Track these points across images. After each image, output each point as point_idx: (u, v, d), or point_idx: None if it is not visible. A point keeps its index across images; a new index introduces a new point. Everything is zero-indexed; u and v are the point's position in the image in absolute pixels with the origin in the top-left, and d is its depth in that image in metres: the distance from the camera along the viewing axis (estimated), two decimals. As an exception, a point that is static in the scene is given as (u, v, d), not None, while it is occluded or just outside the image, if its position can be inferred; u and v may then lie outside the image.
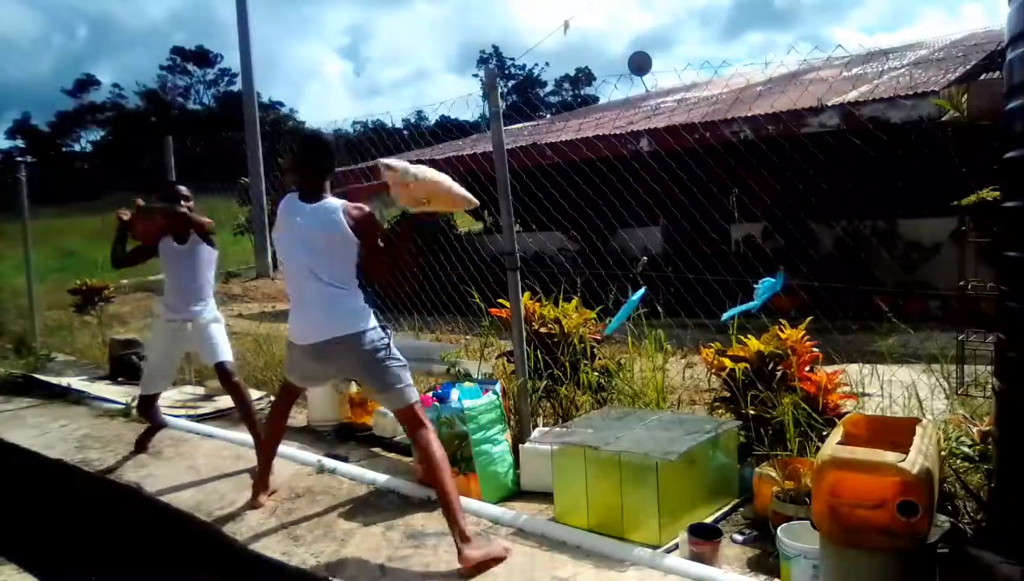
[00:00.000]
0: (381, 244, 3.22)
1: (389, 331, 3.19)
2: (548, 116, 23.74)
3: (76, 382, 6.35)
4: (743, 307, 3.57)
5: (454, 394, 3.54)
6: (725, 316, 3.61)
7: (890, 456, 2.07)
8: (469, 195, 3.27)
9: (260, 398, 5.58)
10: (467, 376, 4.04)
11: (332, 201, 3.17)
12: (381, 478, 3.71)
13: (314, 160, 3.21)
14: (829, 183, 7.12)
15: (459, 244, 6.70)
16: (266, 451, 3.66)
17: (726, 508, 3.11)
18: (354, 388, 4.94)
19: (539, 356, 4.04)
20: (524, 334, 3.86)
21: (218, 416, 5.26)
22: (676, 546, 2.77)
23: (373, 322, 3.15)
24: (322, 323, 3.09)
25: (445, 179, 3.25)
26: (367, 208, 3.21)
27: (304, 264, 3.11)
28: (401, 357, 3.17)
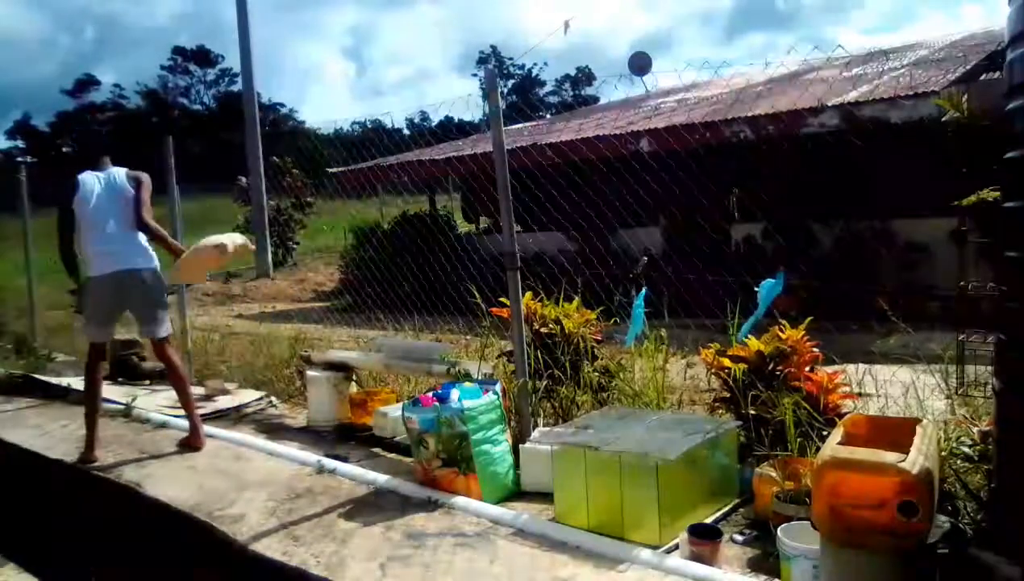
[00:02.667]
0: None
1: None
2: (548, 116, 23.75)
3: (76, 382, 6.32)
4: (753, 319, 3.58)
5: (454, 394, 3.54)
6: (741, 335, 3.60)
7: (890, 456, 2.07)
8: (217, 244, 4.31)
9: (260, 398, 5.59)
10: (467, 376, 4.03)
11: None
12: (381, 478, 3.71)
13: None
14: (829, 183, 7.14)
15: (459, 244, 6.70)
16: None
17: (726, 508, 3.11)
18: (354, 388, 4.94)
19: (539, 356, 4.04)
20: (524, 334, 3.86)
21: (218, 416, 5.26)
22: (676, 546, 2.77)
23: None
24: None
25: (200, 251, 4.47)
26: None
27: None
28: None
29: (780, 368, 3.43)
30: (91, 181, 4.46)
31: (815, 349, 3.50)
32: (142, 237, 4.61)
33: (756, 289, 3.57)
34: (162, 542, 3.72)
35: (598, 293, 4.67)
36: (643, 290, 4.01)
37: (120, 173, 4.55)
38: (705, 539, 2.68)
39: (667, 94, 13.28)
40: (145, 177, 4.58)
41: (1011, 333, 2.25)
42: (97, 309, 4.54)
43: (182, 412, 5.30)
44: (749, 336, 3.57)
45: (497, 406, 3.57)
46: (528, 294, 4.18)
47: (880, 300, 4.20)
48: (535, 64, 64.09)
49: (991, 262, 2.87)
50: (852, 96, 7.99)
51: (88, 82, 61.76)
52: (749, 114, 7.91)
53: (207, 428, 4.91)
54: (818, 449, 2.70)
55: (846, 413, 2.92)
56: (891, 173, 7.64)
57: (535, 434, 3.65)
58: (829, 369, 3.48)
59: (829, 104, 7.69)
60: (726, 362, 3.54)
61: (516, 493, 3.48)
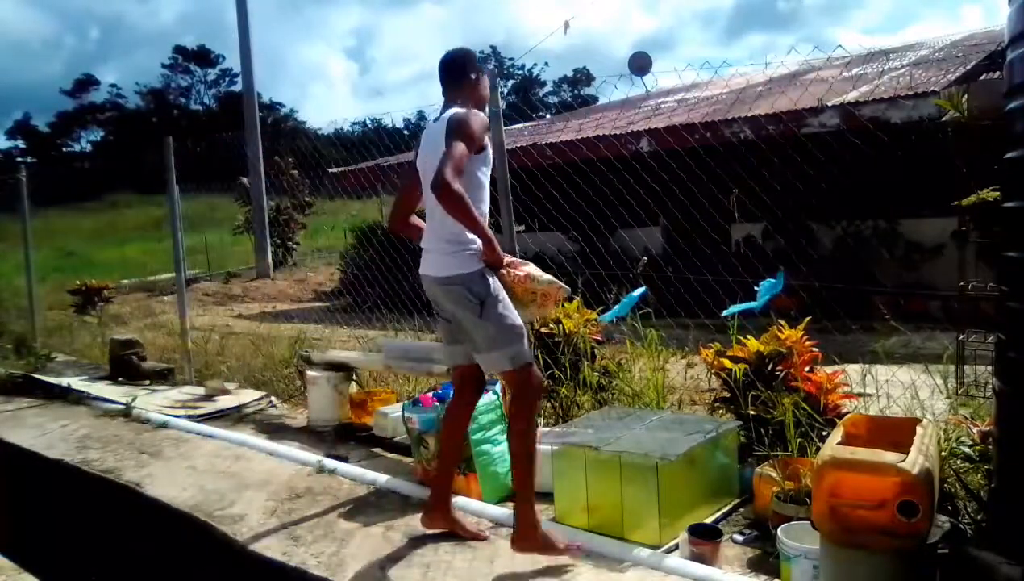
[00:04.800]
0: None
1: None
2: (548, 116, 23.74)
3: (76, 382, 6.35)
4: (744, 306, 3.57)
5: (454, 394, 3.53)
6: (726, 312, 3.61)
7: (890, 456, 2.07)
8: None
9: (260, 398, 5.59)
10: (467, 376, 4.02)
11: None
12: (381, 478, 3.71)
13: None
14: (829, 183, 7.13)
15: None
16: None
17: (726, 508, 3.11)
18: (354, 388, 4.94)
19: (540, 356, 4.04)
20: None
21: (218, 416, 5.26)
22: (676, 546, 2.77)
23: None
24: None
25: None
26: None
27: None
28: None
29: (780, 368, 3.43)
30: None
31: (814, 349, 3.50)
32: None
33: (756, 288, 3.58)
34: (162, 542, 3.72)
35: (598, 293, 4.67)
36: (642, 287, 4.01)
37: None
38: (705, 539, 2.68)
39: (667, 94, 13.28)
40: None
41: (1011, 333, 2.25)
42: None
43: (182, 412, 5.31)
44: (749, 336, 3.57)
45: (497, 406, 3.57)
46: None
47: (880, 300, 4.20)
48: (535, 64, 64.06)
49: (991, 262, 2.87)
50: (852, 96, 8.00)
51: (88, 82, 61.69)
52: (749, 114, 7.91)
53: (207, 428, 4.91)
54: (818, 449, 2.70)
55: (846, 413, 2.92)
56: (891, 173, 7.63)
57: (535, 434, 3.65)
58: (829, 369, 3.48)
59: (829, 104, 7.69)
60: (726, 362, 3.54)
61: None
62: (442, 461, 3.15)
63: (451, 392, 3.56)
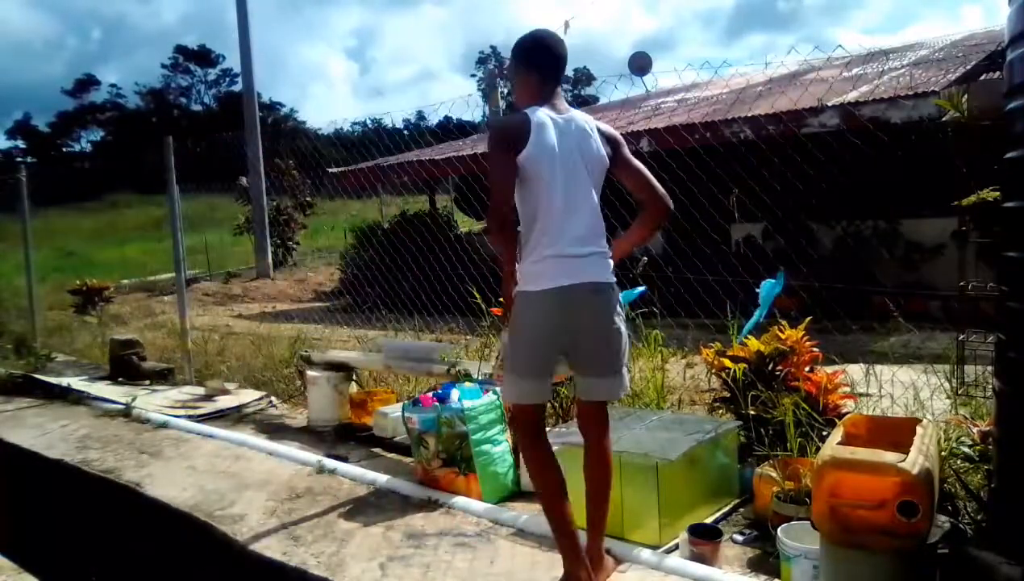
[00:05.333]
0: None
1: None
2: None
3: (76, 382, 6.35)
4: (754, 319, 3.58)
5: (454, 394, 3.54)
6: (743, 334, 3.60)
7: (890, 456, 2.07)
8: None
9: (260, 398, 5.59)
10: (467, 376, 4.03)
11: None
12: (381, 478, 3.71)
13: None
14: (829, 183, 7.13)
15: (459, 244, 6.71)
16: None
17: (726, 508, 3.11)
18: (354, 388, 4.94)
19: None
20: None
21: (218, 416, 5.26)
22: (676, 546, 2.77)
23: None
24: None
25: None
26: None
27: None
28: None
29: (780, 368, 3.43)
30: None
31: (815, 349, 3.50)
32: None
33: (756, 289, 3.58)
34: (162, 542, 3.72)
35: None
36: (642, 287, 4.01)
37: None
38: (705, 539, 2.68)
39: (667, 94, 13.27)
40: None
41: (1011, 333, 2.25)
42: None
43: (182, 412, 5.31)
44: (749, 336, 3.57)
45: (497, 406, 3.57)
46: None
47: (880, 300, 4.20)
48: (535, 64, 63.92)
49: (991, 262, 2.87)
50: (852, 96, 7.99)
51: (88, 82, 61.74)
52: (749, 114, 7.91)
53: (207, 428, 4.91)
54: (818, 449, 2.70)
55: (846, 413, 2.92)
56: (891, 173, 7.63)
57: (535, 434, 3.65)
58: (829, 369, 3.48)
59: (829, 104, 7.69)
60: (726, 362, 3.54)
61: (516, 493, 3.48)
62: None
63: (450, 392, 3.56)
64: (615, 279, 2.55)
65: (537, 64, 2.60)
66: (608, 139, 2.62)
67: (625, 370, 2.60)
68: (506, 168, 2.43)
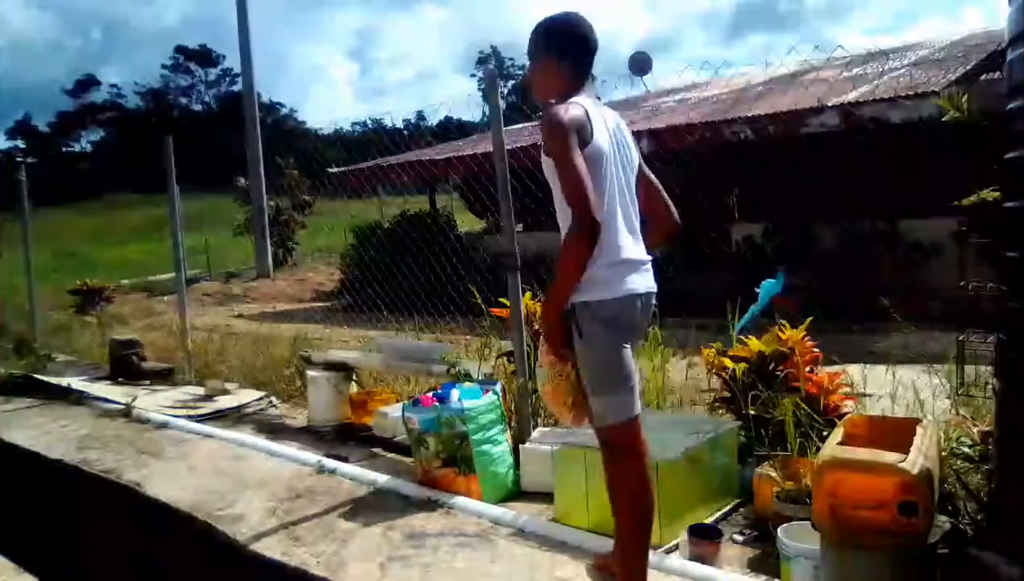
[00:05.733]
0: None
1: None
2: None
3: (76, 382, 6.35)
4: (750, 313, 3.58)
5: (454, 394, 3.54)
6: (739, 325, 3.60)
7: (890, 456, 2.07)
8: None
9: (260, 398, 5.58)
10: (467, 376, 4.04)
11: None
12: (381, 478, 3.71)
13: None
14: (829, 183, 7.14)
15: (459, 244, 6.71)
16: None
17: (726, 508, 3.11)
18: (354, 388, 4.94)
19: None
20: (524, 334, 3.86)
21: (218, 416, 5.26)
22: (676, 546, 2.77)
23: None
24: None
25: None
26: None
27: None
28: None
29: (780, 368, 3.43)
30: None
31: (815, 349, 3.50)
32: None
33: (756, 289, 3.58)
34: (162, 542, 3.72)
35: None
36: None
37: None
38: (705, 539, 2.68)
39: (667, 94, 13.28)
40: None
41: (1011, 333, 2.24)
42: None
43: (183, 412, 5.31)
44: (749, 336, 3.57)
45: (497, 406, 3.57)
46: (528, 294, 4.18)
47: (879, 301, 4.20)
48: (535, 64, 63.94)
49: (991, 262, 2.87)
50: (852, 96, 7.99)
51: (88, 82, 61.77)
52: (749, 114, 7.91)
53: (207, 428, 4.91)
54: (818, 449, 2.70)
55: (846, 413, 2.92)
56: (891, 173, 7.64)
57: (535, 434, 3.65)
58: (829, 369, 3.48)
59: (829, 104, 7.70)
60: (726, 362, 3.54)
61: (516, 493, 3.48)
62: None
63: (451, 392, 3.55)
64: None
65: (570, 51, 2.35)
66: (635, 141, 2.49)
67: None
68: (581, 162, 2.15)
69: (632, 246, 2.32)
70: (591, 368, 2.31)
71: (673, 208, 2.52)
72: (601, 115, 2.32)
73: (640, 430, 2.36)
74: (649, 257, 2.40)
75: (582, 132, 2.20)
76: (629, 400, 2.31)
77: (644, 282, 2.34)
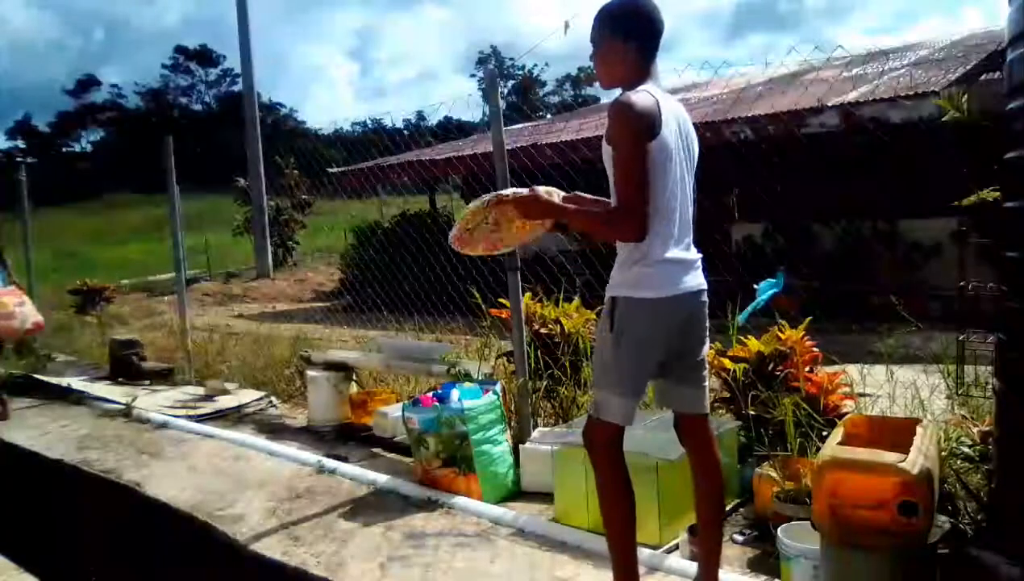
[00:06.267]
0: None
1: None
2: (548, 116, 23.75)
3: (76, 382, 6.35)
4: (750, 308, 3.57)
5: (454, 394, 3.54)
6: (741, 318, 3.60)
7: (890, 456, 2.07)
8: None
9: (260, 398, 5.58)
10: (467, 376, 4.03)
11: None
12: (381, 478, 3.71)
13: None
14: (829, 183, 7.14)
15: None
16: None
17: (726, 508, 3.11)
18: (354, 388, 4.94)
19: (539, 356, 4.04)
20: (524, 334, 3.86)
21: (218, 416, 5.26)
22: (676, 546, 2.77)
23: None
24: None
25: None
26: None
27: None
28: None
29: (780, 368, 3.43)
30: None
31: (815, 349, 3.50)
32: None
33: (755, 287, 3.57)
34: (162, 542, 3.72)
35: (599, 293, 4.67)
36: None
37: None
38: (705, 539, 2.68)
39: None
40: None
41: (1011, 333, 2.24)
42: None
43: (183, 412, 5.31)
44: (749, 336, 3.57)
45: (497, 406, 3.57)
46: (528, 294, 4.18)
47: (880, 301, 4.20)
48: (535, 65, 64.04)
49: (991, 262, 2.87)
50: (852, 96, 7.99)
51: (89, 82, 61.76)
52: (749, 114, 7.91)
53: (207, 428, 4.91)
54: (818, 449, 2.70)
55: (846, 413, 2.92)
56: (891, 173, 7.64)
57: (535, 434, 3.65)
58: (829, 369, 3.48)
59: (829, 104, 7.69)
60: (726, 362, 3.54)
61: (516, 493, 3.48)
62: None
63: (451, 392, 3.55)
64: None
65: (636, 34, 2.22)
66: (698, 138, 2.37)
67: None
68: (644, 159, 2.08)
69: (686, 246, 2.26)
70: (605, 361, 2.26)
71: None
72: (669, 107, 2.20)
73: (619, 442, 2.28)
74: (699, 255, 2.32)
75: (652, 125, 2.09)
76: (628, 406, 2.23)
77: (693, 282, 2.27)
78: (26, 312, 5.28)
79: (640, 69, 2.22)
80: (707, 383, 2.40)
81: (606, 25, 2.26)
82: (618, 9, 2.25)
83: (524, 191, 2.44)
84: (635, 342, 2.20)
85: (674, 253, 2.21)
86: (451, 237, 2.62)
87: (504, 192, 2.53)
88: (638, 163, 2.09)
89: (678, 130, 2.21)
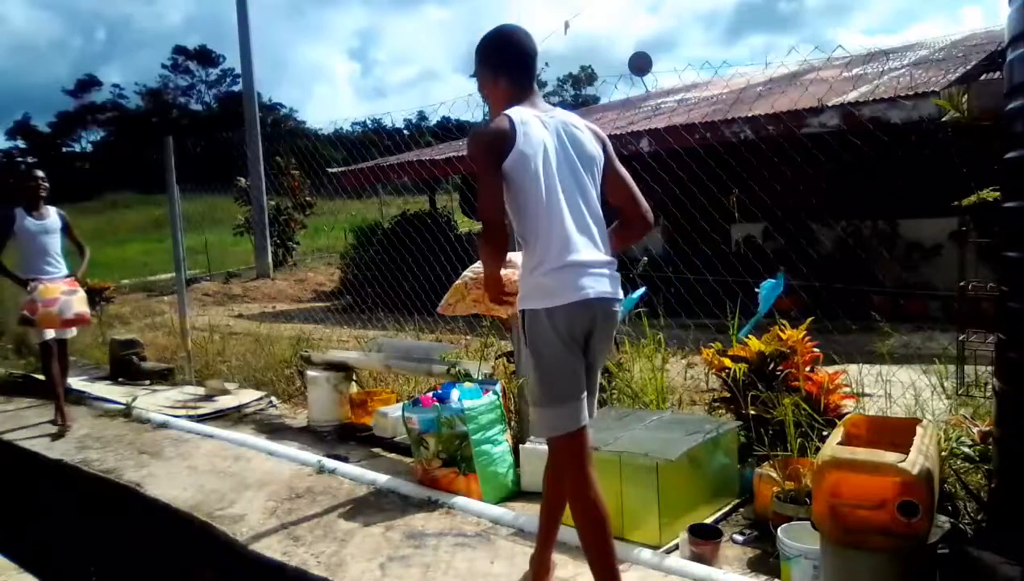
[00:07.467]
0: None
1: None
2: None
3: (76, 382, 6.35)
4: (754, 320, 3.58)
5: (454, 394, 3.54)
6: (742, 333, 3.60)
7: (890, 456, 2.07)
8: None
9: (260, 398, 5.58)
10: (467, 376, 4.04)
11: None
12: (381, 478, 3.71)
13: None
14: (829, 183, 7.14)
15: (459, 244, 6.71)
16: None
17: (726, 508, 3.11)
18: (354, 388, 4.94)
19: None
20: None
21: (218, 416, 5.26)
22: (676, 546, 2.77)
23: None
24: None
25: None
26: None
27: None
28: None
29: (780, 368, 3.43)
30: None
31: (815, 349, 3.50)
32: None
33: (756, 290, 3.57)
34: (162, 542, 3.72)
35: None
36: (641, 288, 4.01)
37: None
38: (705, 539, 2.68)
39: (667, 94, 13.28)
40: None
41: (1011, 333, 2.25)
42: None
43: (183, 412, 5.31)
44: (750, 336, 3.57)
45: (497, 406, 3.57)
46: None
47: (880, 301, 4.20)
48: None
49: (991, 262, 2.87)
50: (852, 96, 7.99)
51: (89, 82, 61.72)
52: (749, 114, 7.91)
53: (207, 428, 4.91)
54: (818, 449, 2.70)
55: (846, 413, 2.92)
56: (891, 173, 7.63)
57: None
58: (830, 369, 3.48)
59: (829, 104, 7.69)
60: (727, 362, 3.54)
61: (516, 493, 3.48)
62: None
63: (451, 392, 3.55)
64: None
65: (504, 65, 2.36)
66: (598, 139, 2.41)
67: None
68: (494, 179, 2.19)
69: (584, 248, 2.23)
70: (532, 378, 2.27)
71: (647, 207, 2.44)
72: (541, 119, 2.28)
73: (585, 442, 2.26)
74: (608, 258, 2.29)
75: (500, 144, 2.19)
76: (569, 414, 2.21)
77: (597, 286, 2.21)
78: (72, 302, 5.24)
79: (512, 96, 2.34)
80: (595, 391, 2.40)
81: (479, 61, 2.41)
82: (486, 46, 2.40)
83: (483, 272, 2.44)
84: (547, 352, 2.20)
85: (569, 258, 2.20)
86: (439, 306, 2.87)
87: (470, 273, 2.70)
88: (488, 182, 2.19)
89: (556, 139, 2.28)
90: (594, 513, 2.23)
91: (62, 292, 5.22)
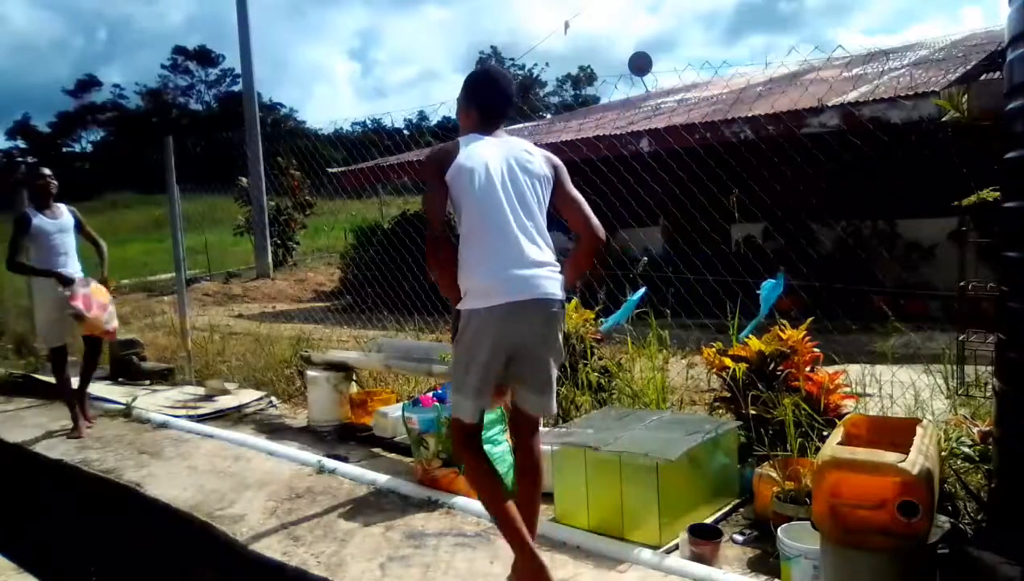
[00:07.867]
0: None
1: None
2: (548, 116, 23.76)
3: (77, 382, 6.33)
4: (756, 321, 3.58)
5: (454, 394, 3.53)
6: (743, 335, 3.60)
7: (890, 456, 2.07)
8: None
9: (260, 398, 5.58)
10: (467, 376, 4.03)
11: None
12: (381, 478, 3.71)
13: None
14: (829, 183, 7.14)
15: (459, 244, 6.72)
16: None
17: (726, 508, 3.11)
18: (354, 388, 4.94)
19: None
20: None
21: (218, 416, 5.26)
22: (676, 546, 2.77)
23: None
24: None
25: None
26: None
27: None
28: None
29: (781, 368, 3.43)
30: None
31: (815, 349, 3.50)
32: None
33: (757, 290, 3.58)
34: (162, 542, 3.72)
35: (598, 293, 4.67)
36: (642, 289, 4.01)
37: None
38: (705, 539, 2.68)
39: (667, 94, 13.27)
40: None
41: (1011, 333, 2.25)
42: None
43: (183, 412, 5.31)
44: (750, 336, 3.57)
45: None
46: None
47: (880, 301, 4.20)
48: (535, 64, 64.00)
49: (991, 262, 2.87)
50: (852, 96, 7.98)
51: (89, 82, 61.66)
52: (749, 114, 7.91)
53: (207, 428, 4.91)
54: (818, 449, 2.70)
55: (846, 413, 2.92)
56: (891, 173, 7.63)
57: (535, 434, 3.65)
58: (830, 369, 3.48)
59: (829, 104, 7.69)
60: (727, 362, 3.54)
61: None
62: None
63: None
64: (564, 297, 2.53)
65: (480, 103, 2.64)
66: (548, 162, 2.63)
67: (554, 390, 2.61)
68: (437, 192, 2.46)
69: (523, 252, 2.43)
70: (452, 366, 2.57)
71: (597, 225, 2.60)
72: (493, 143, 2.55)
73: (476, 432, 2.58)
74: (547, 259, 2.48)
75: (443, 157, 2.50)
76: (466, 404, 2.49)
77: (529, 291, 2.41)
78: (113, 314, 5.26)
79: (478, 126, 2.62)
80: (552, 390, 2.57)
81: (462, 91, 2.70)
82: (470, 81, 2.70)
83: None
84: (466, 349, 2.45)
85: (503, 265, 2.41)
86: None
87: None
88: (430, 196, 2.50)
89: (505, 159, 2.52)
90: (477, 482, 2.58)
91: (110, 301, 5.23)
